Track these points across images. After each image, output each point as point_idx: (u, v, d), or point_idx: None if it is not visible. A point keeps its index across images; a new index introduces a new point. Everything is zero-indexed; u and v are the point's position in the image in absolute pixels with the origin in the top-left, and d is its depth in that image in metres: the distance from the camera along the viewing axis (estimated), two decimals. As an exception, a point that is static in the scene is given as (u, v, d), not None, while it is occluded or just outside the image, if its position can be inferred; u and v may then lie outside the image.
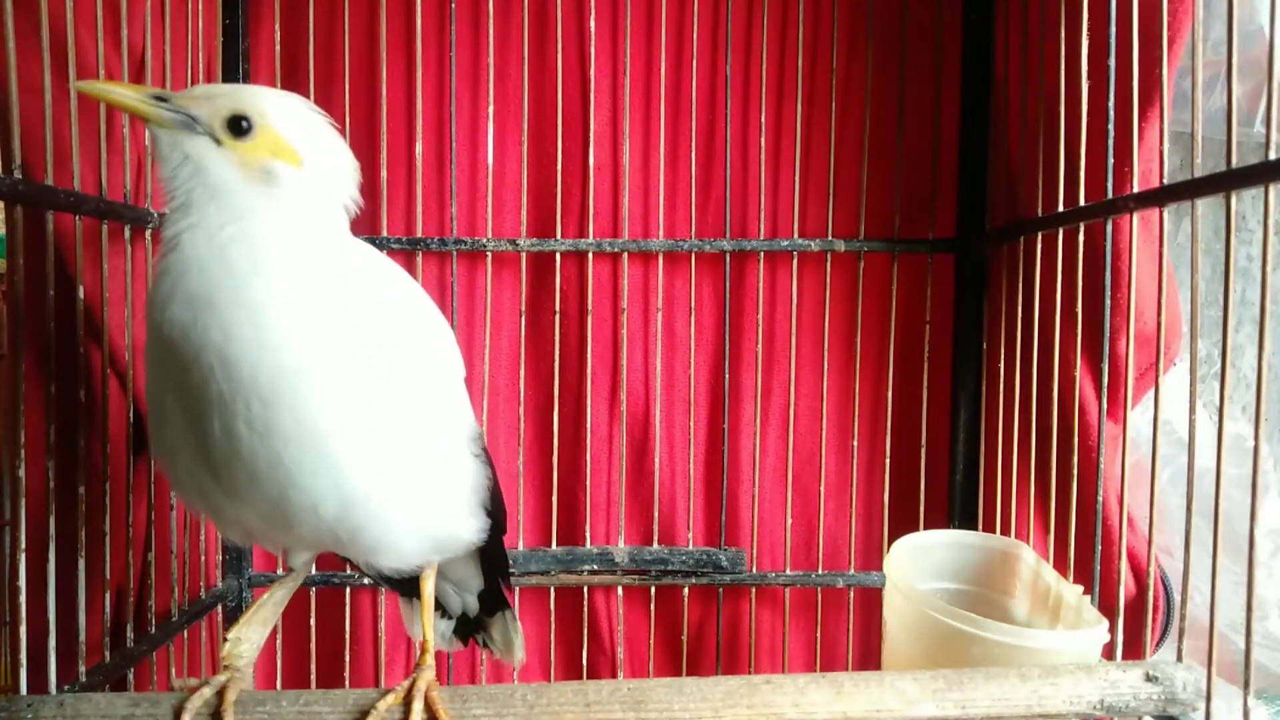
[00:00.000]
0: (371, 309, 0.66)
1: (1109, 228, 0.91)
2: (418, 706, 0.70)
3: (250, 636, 0.77)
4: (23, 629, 0.75)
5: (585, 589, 1.26)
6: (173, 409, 0.64)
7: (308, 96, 1.18)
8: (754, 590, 1.27)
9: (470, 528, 0.76)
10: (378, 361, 0.65)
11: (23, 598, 0.75)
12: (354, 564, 1.02)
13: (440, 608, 0.98)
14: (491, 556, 0.89)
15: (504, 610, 0.97)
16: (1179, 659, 0.78)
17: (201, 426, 0.62)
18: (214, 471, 0.64)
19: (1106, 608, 0.88)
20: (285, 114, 0.67)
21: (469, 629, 1.00)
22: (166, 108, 0.64)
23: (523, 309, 1.25)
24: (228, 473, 0.63)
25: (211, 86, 0.68)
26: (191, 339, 0.60)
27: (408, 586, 0.94)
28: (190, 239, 0.62)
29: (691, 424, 1.27)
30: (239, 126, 0.64)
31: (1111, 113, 0.91)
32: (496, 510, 0.80)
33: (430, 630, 0.79)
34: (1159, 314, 0.83)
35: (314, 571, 1.21)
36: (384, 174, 1.20)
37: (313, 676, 1.23)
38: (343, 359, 0.63)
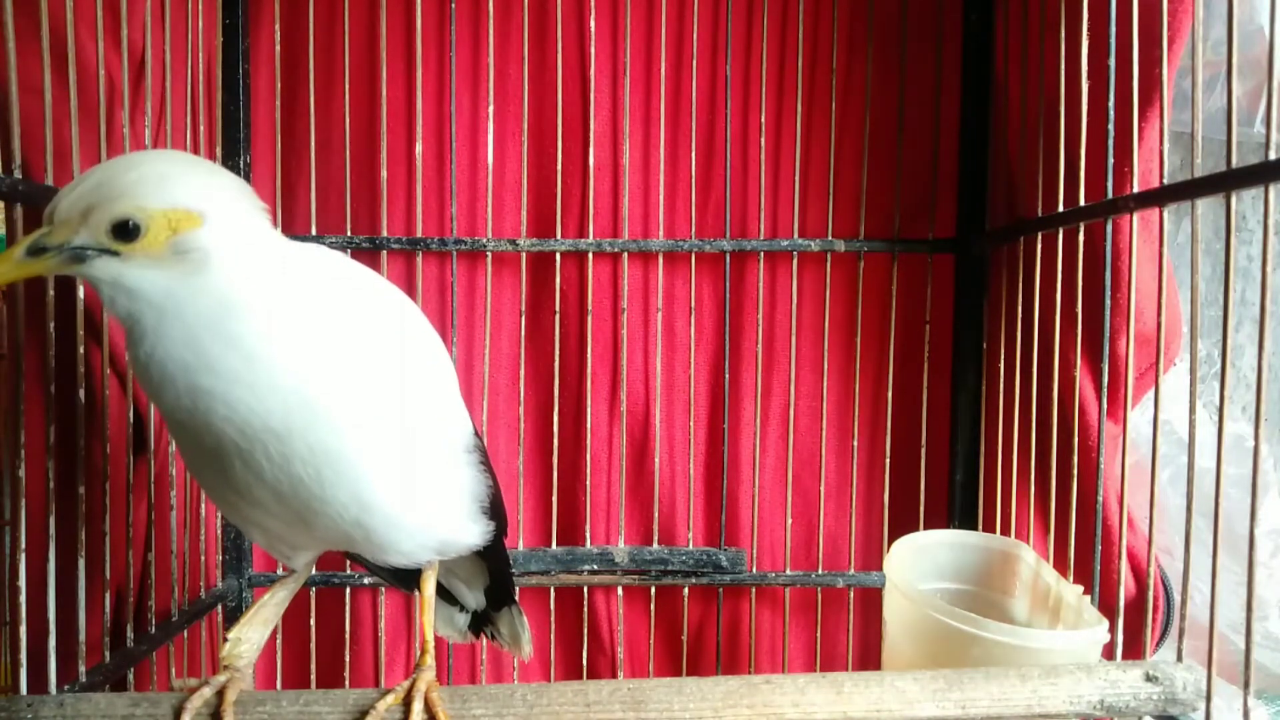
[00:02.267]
0: (348, 325, 0.66)
1: (1109, 228, 0.91)
2: (417, 707, 0.70)
3: (250, 637, 0.77)
4: (23, 629, 0.75)
5: (585, 589, 1.26)
6: (191, 447, 0.66)
7: (308, 97, 1.20)
8: (754, 590, 1.27)
9: (472, 531, 0.77)
10: (368, 375, 0.66)
11: (23, 598, 0.75)
12: (359, 562, 1.02)
13: (456, 602, 1.01)
14: (493, 557, 0.90)
15: (510, 606, 0.99)
16: (1179, 659, 0.78)
17: (223, 464, 0.64)
18: (240, 493, 0.66)
19: (1106, 608, 0.88)
20: (156, 188, 0.60)
21: (480, 623, 1.03)
22: (50, 254, 0.60)
23: (523, 309, 1.25)
24: (253, 494, 0.66)
25: (73, 199, 0.60)
26: (199, 419, 0.62)
27: (414, 583, 0.96)
28: (159, 347, 0.60)
29: (691, 424, 1.27)
30: (126, 231, 0.59)
31: (1111, 113, 0.91)
32: (498, 515, 0.80)
33: (430, 630, 0.80)
34: (1159, 314, 0.83)
35: (314, 571, 1.21)
36: (384, 174, 1.20)
37: (313, 676, 1.23)
38: (338, 381, 0.64)
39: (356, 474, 0.65)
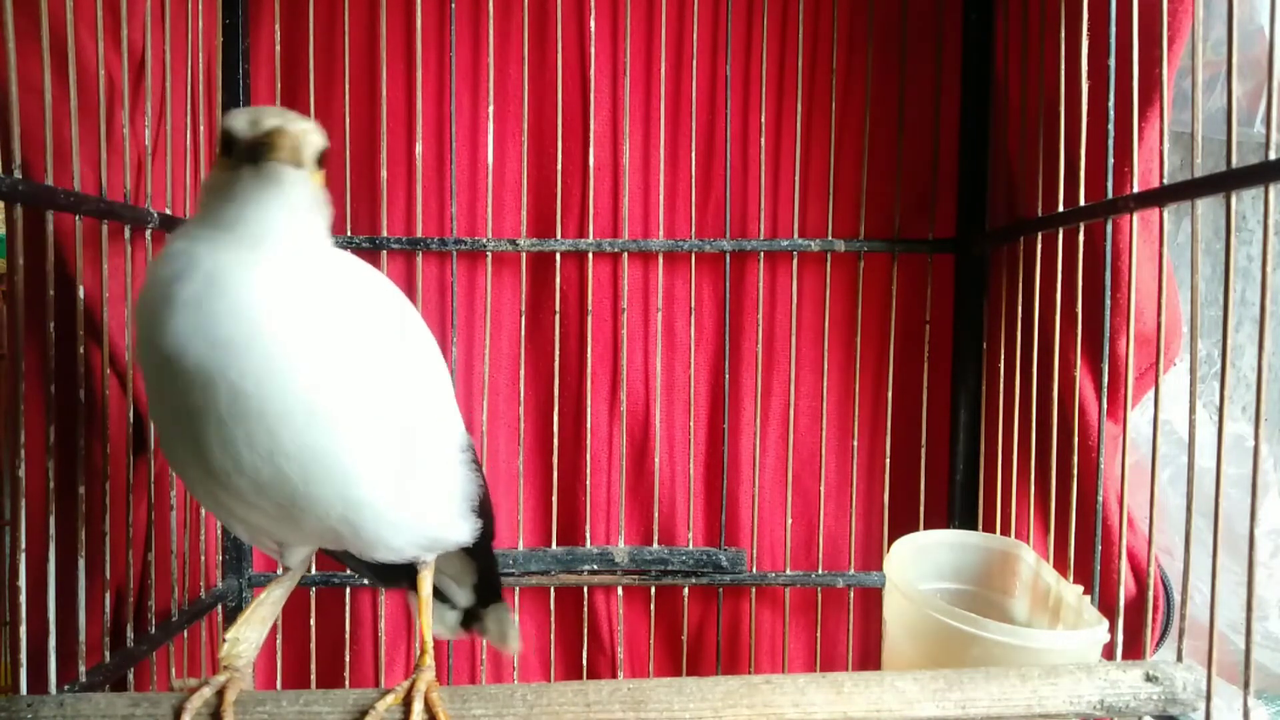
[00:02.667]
0: (369, 327, 0.67)
1: (1109, 228, 0.91)
2: (418, 707, 0.70)
3: (249, 636, 0.77)
4: (23, 629, 0.75)
5: (585, 589, 1.26)
6: (172, 424, 0.65)
7: (308, 97, 1.20)
8: (754, 590, 1.27)
9: (462, 529, 0.78)
10: (374, 377, 0.66)
11: (23, 598, 0.75)
12: (342, 561, 1.01)
13: (446, 599, 1.01)
14: (482, 554, 0.90)
15: (497, 603, 0.99)
16: (1179, 659, 0.78)
17: (200, 445, 0.63)
18: (220, 482, 0.65)
19: (1106, 608, 0.88)
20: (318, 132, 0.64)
21: (468, 619, 1.02)
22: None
23: (523, 309, 1.25)
24: (233, 484, 0.65)
25: (292, 124, 0.62)
26: (204, 373, 0.60)
27: (407, 580, 0.96)
28: (232, 276, 0.60)
29: (691, 424, 1.27)
30: (320, 161, 0.64)
31: (1111, 113, 0.91)
32: (486, 514, 0.81)
33: (429, 631, 0.80)
34: (1159, 314, 0.83)
35: (314, 571, 1.21)
36: (384, 174, 1.20)
37: (313, 676, 1.23)
38: (345, 380, 0.64)
39: (344, 471, 0.65)
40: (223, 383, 0.60)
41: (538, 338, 1.27)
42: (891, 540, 1.06)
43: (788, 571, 1.26)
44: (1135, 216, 0.88)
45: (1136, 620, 0.89)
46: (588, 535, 1.26)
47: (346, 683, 1.23)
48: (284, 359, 0.60)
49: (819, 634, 1.27)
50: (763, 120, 1.24)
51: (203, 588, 1.14)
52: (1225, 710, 0.76)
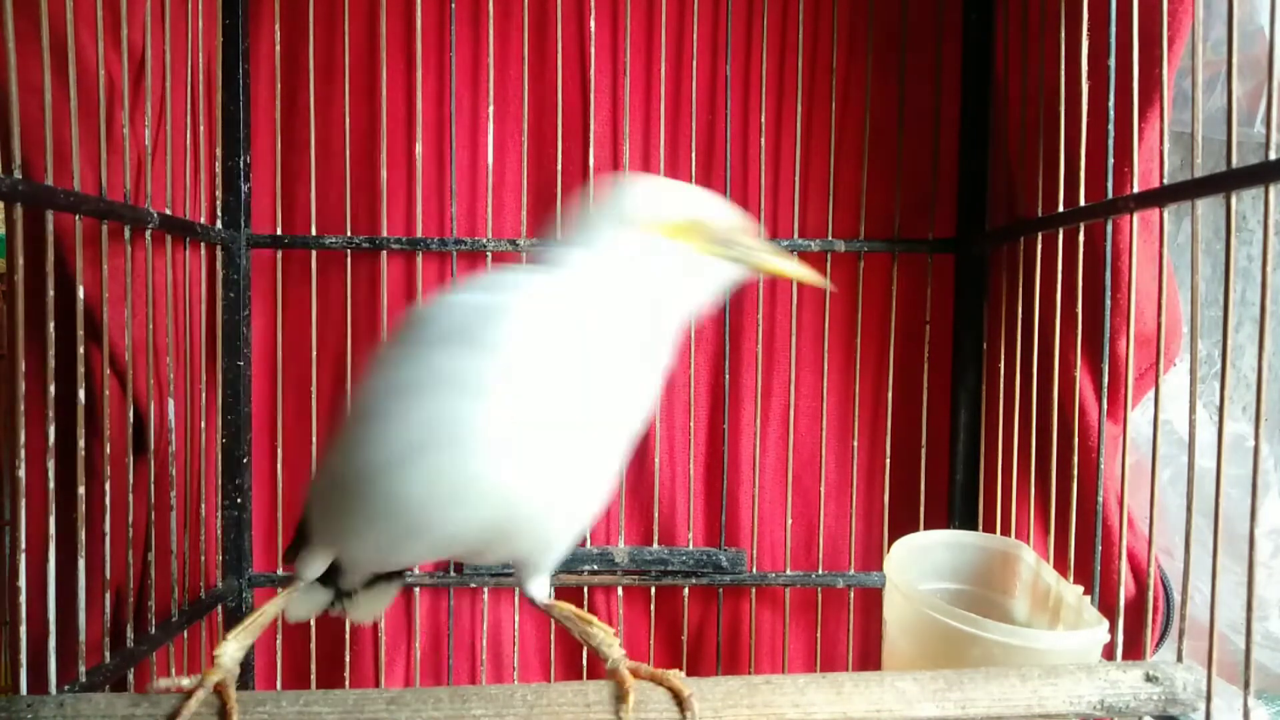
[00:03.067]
0: None
1: (1109, 228, 0.91)
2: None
3: (243, 642, 0.77)
4: (23, 629, 0.75)
5: (585, 589, 1.26)
6: (466, 437, 0.64)
7: (308, 97, 1.20)
8: (754, 590, 1.27)
9: None
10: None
11: (23, 598, 0.75)
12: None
13: (335, 588, 0.90)
14: None
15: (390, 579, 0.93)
16: (1179, 659, 0.78)
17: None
18: (480, 500, 0.65)
19: (1106, 608, 0.88)
20: None
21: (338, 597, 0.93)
22: None
23: (523, 309, 1.25)
24: (504, 503, 0.66)
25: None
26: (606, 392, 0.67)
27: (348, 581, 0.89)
28: (627, 318, 0.70)
29: (691, 424, 1.27)
30: None
31: (1111, 113, 0.91)
32: None
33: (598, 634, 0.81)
34: (1159, 314, 0.83)
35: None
36: (384, 174, 1.20)
37: (313, 676, 1.23)
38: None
39: (604, 486, 0.71)
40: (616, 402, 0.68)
41: (538, 338, 1.27)
42: (891, 540, 1.06)
43: (788, 572, 1.26)
44: (1135, 217, 0.88)
45: (1136, 620, 0.89)
46: (588, 535, 1.26)
47: (346, 683, 1.23)
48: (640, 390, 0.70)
49: (819, 634, 1.27)
50: (763, 120, 1.24)
51: (202, 588, 1.14)
52: (1225, 710, 0.76)
